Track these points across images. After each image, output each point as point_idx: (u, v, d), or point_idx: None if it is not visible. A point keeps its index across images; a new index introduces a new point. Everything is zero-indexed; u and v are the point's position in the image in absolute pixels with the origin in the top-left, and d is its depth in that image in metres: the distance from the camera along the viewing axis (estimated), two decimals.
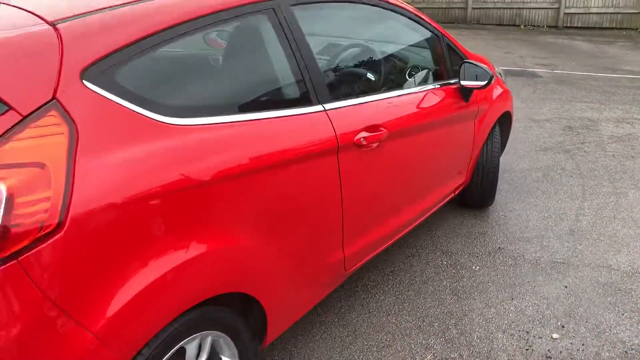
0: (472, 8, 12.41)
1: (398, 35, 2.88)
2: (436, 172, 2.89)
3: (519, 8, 12.37)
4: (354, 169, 2.13)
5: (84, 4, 1.54)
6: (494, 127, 3.38)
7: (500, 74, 3.71)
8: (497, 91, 3.38)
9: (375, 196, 2.34)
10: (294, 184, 1.88)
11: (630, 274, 2.90)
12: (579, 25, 12.44)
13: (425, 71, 2.85)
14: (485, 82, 2.74)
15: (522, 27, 12.41)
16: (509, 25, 12.52)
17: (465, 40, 10.56)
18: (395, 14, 2.58)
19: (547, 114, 5.89)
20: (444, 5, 12.49)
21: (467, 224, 3.44)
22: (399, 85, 2.76)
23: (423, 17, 2.74)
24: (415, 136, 2.55)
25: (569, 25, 12.42)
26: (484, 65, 2.78)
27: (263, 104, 1.86)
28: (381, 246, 2.53)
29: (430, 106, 2.69)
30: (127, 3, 1.57)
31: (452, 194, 3.16)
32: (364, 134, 2.12)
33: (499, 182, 3.98)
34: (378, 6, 2.48)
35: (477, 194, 3.44)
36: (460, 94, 2.87)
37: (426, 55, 2.93)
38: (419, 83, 2.76)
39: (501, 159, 4.32)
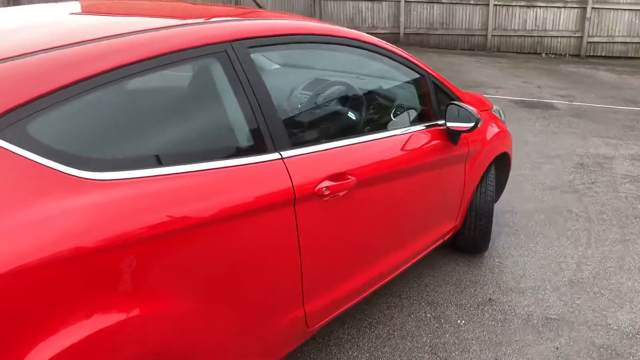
0: (492, 35, 12.24)
1: (378, 75, 2.75)
2: (419, 219, 2.72)
3: (541, 36, 12.15)
4: (315, 221, 1.98)
5: (2, 51, 1.44)
6: (488, 170, 3.19)
7: (499, 112, 3.54)
8: (493, 131, 3.21)
9: (342, 248, 2.18)
10: (241, 240, 1.74)
11: (631, 335, 2.66)
12: (602, 55, 12.15)
13: (409, 112, 2.71)
14: (472, 124, 2.57)
15: (543, 55, 12.18)
16: (530, 53, 12.30)
17: (483, 69, 10.39)
18: (374, 53, 2.44)
19: (560, 149, 5.66)
20: (464, 32, 12.35)
21: (458, 270, 3.24)
22: (381, 127, 2.62)
23: (405, 55, 2.60)
24: (394, 182, 2.40)
25: (592, 54, 12.15)
26: (470, 107, 2.62)
27: (207, 153, 1.73)
28: (353, 299, 2.36)
29: (412, 149, 2.54)
30: (52, 48, 1.47)
31: (441, 240, 2.98)
32: (326, 183, 1.97)
33: (498, 225, 3.78)
34: (353, 46, 2.35)
35: (469, 239, 3.24)
36: (448, 136, 2.71)
37: (411, 95, 2.79)
38: (402, 124, 2.61)
39: (504, 198, 4.12)
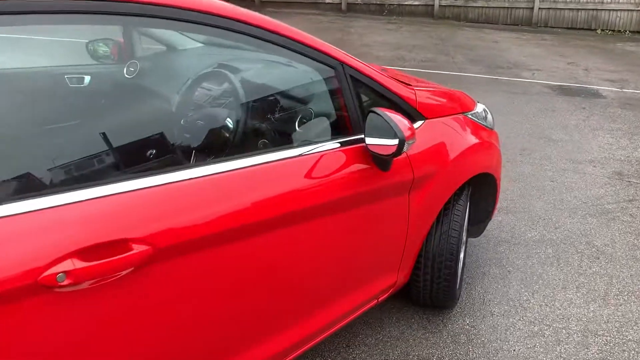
0: (540, 8, 10.81)
1: (260, 67, 1.85)
2: (320, 285, 1.81)
3: (596, 9, 10.64)
4: (42, 335, 1.14)
5: None
6: (455, 199, 2.25)
7: (484, 116, 2.55)
8: (463, 144, 2.24)
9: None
10: None
11: None
12: None
13: (314, 122, 1.81)
14: (394, 145, 1.64)
15: (598, 31, 10.68)
16: (582, 29, 10.81)
17: (524, 47, 9.12)
18: (240, 34, 1.54)
19: (595, 151, 4.54)
20: (507, 4, 10.98)
21: (407, 337, 2.33)
22: (272, 144, 1.75)
23: (294, 34, 1.67)
24: (264, 236, 1.52)
25: None
26: (396, 116, 1.68)
27: None
28: None
29: (308, 182, 1.64)
30: None
31: (374, 302, 2.07)
32: (69, 264, 1.12)
33: (483, 263, 2.82)
34: (191, 21, 1.45)
35: (425, 294, 2.32)
36: (373, 158, 1.79)
37: (317, 97, 1.87)
38: (303, 141, 1.73)
39: (502, 221, 3.17)
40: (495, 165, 2.48)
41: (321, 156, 1.71)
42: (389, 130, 1.65)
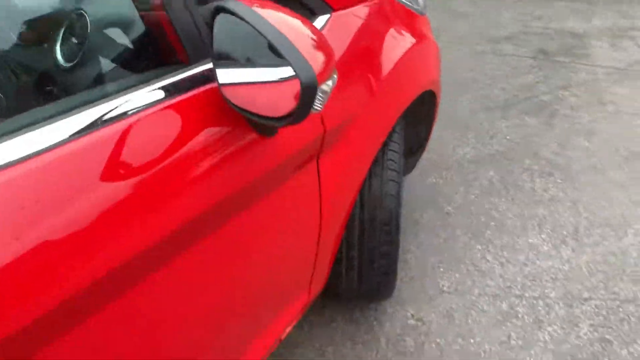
0: None
1: None
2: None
3: None
4: None
5: None
6: (388, 141, 1.36)
7: None
8: (398, 48, 1.30)
9: None
10: None
11: None
12: None
13: (100, 45, 0.80)
14: (296, 90, 0.68)
15: None
16: None
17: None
18: None
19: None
20: None
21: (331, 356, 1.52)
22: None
23: None
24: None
25: None
26: (285, 17, 0.71)
27: None
28: None
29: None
30: None
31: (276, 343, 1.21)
32: None
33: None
34: None
35: (351, 287, 1.49)
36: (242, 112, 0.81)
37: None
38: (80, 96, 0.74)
39: None
40: (438, 74, 1.59)
41: (129, 126, 0.73)
42: (268, 55, 0.67)
